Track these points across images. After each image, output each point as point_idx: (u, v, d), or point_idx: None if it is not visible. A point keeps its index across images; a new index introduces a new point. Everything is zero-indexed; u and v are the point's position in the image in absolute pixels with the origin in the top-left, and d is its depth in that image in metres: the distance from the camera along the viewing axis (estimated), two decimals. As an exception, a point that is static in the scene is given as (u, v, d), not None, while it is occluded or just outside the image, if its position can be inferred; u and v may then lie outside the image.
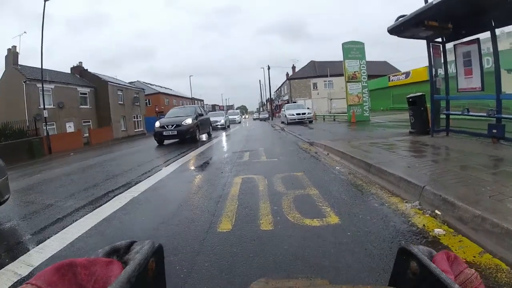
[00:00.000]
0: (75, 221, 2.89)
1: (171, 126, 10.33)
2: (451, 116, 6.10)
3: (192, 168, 5.44)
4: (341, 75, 31.84)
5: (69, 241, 2.37)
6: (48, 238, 2.49)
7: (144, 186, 4.11)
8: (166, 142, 10.91)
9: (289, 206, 2.73)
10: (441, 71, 6.28)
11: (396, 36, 5.91)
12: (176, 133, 10.19)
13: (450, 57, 6.00)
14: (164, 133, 10.33)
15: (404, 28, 5.49)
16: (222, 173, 4.64)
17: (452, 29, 5.28)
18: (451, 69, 6.11)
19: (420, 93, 7.01)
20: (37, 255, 2.15)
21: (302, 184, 3.58)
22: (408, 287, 0.38)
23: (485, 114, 5.16)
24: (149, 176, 4.84)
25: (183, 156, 7.03)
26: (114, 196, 3.72)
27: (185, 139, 10.38)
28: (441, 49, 6.07)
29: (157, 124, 10.81)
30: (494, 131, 4.83)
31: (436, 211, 2.52)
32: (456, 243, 1.94)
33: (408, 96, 7.19)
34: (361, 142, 6.27)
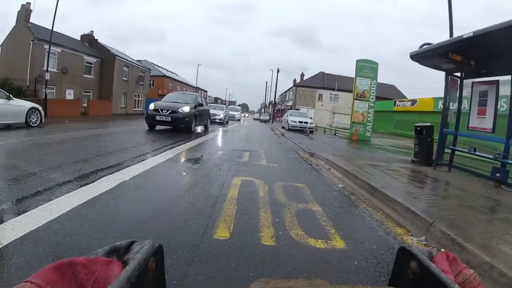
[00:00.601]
0: (57, 197, 2.64)
1: (165, 111, 9.47)
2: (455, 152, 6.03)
3: (189, 159, 5.21)
4: (348, 90, 32.07)
5: (46, 220, 2.10)
6: (24, 212, 2.22)
7: (136, 170, 3.88)
8: (158, 127, 10.19)
9: (291, 220, 2.55)
10: (453, 106, 6.22)
11: (417, 63, 5.81)
12: (169, 120, 9.42)
13: (465, 93, 5.95)
14: (157, 118, 9.50)
15: (427, 56, 5.41)
16: (220, 170, 4.44)
17: (474, 66, 5.22)
18: (464, 105, 6.06)
19: (429, 124, 6.93)
20: (10, 232, 1.91)
21: (304, 197, 3.40)
22: (408, 287, 0.38)
23: (491, 156, 5.10)
24: (143, 160, 4.61)
25: (180, 144, 6.80)
26: (103, 176, 3.48)
27: (179, 128, 9.71)
28: (458, 83, 5.99)
29: (151, 106, 9.96)
30: (498, 174, 4.78)
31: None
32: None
33: (416, 124, 7.12)
34: (363, 162, 6.13)
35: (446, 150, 6.26)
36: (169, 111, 9.45)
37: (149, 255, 0.34)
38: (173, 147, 6.22)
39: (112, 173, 3.68)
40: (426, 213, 2.95)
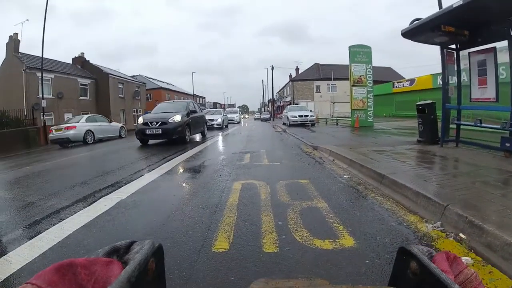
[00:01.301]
0: (54, 224, 2.56)
1: (155, 124, 8.89)
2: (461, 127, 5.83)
3: (187, 169, 5.06)
4: (345, 79, 31.78)
5: (40, 251, 2.04)
6: (20, 245, 2.16)
7: (133, 188, 3.75)
8: (151, 141, 9.62)
9: (295, 221, 2.39)
10: (452, 79, 6.02)
11: (409, 40, 5.63)
12: (160, 132, 8.81)
13: (463, 65, 5.76)
14: (147, 132, 8.89)
15: (419, 31, 5.23)
16: (220, 176, 4.30)
17: (468, 36, 5.03)
18: (463, 77, 5.87)
19: (430, 101, 6.71)
20: (5, 266, 1.84)
21: (308, 194, 3.24)
22: (408, 287, 0.38)
23: (498, 127, 4.91)
24: (141, 176, 4.50)
25: (178, 155, 6.62)
26: (101, 197, 3.37)
27: (173, 139, 9.03)
28: (455, 56, 5.79)
29: (140, 120, 9.43)
30: (507, 144, 4.59)
31: (461, 235, 2.24)
32: (486, 275, 1.65)
33: (417, 103, 6.90)
34: (368, 149, 5.95)
35: (451, 126, 6.05)
36: (159, 123, 8.90)
37: (149, 255, 0.34)
38: (170, 159, 6.06)
39: (109, 193, 3.58)
40: (439, 195, 2.78)
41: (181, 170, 5.00)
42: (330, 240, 2.05)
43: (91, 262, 0.31)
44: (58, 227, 2.50)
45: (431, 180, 3.37)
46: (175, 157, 6.30)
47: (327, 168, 4.83)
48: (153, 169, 5.00)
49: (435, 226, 2.44)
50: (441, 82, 5.94)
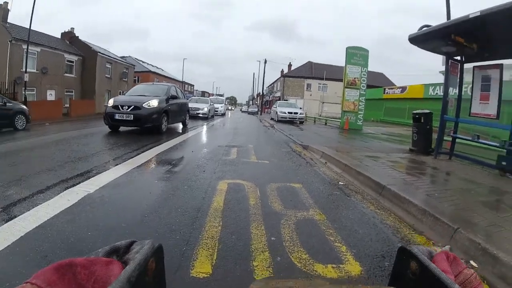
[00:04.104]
0: (6, 221, 2.10)
1: (127, 108, 7.45)
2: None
3: (167, 161, 4.57)
4: (337, 80, 31.76)
5: None
6: None
7: (104, 179, 3.28)
8: (123, 128, 8.16)
9: (291, 237, 2.04)
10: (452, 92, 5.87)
11: (416, 46, 5.39)
12: (132, 119, 7.40)
13: (467, 78, 5.60)
14: (117, 117, 7.45)
15: (428, 38, 5.01)
16: (204, 172, 3.89)
17: (476, 50, 4.83)
18: (464, 90, 5.72)
19: (428, 111, 6.54)
20: None
21: (303, 202, 2.90)
22: (408, 287, 0.38)
23: (497, 144, 4.77)
24: (117, 165, 4.04)
25: (157, 146, 6.02)
26: (66, 189, 2.90)
27: (146, 128, 7.63)
28: (459, 68, 5.60)
29: (110, 102, 7.85)
30: (504, 163, 4.48)
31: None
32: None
33: (414, 111, 6.72)
34: (361, 154, 5.70)
35: (445, 138, 5.91)
36: (131, 107, 7.46)
37: (149, 255, 0.34)
38: (149, 149, 5.51)
39: (76, 184, 3.10)
40: (446, 216, 2.52)
41: (160, 162, 4.51)
42: (334, 266, 1.71)
43: (91, 262, 0.31)
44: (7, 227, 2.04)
45: (434, 196, 3.12)
46: (150, 149, 5.49)
47: (320, 171, 4.52)
48: (133, 157, 4.52)
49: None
50: (432, 93, 5.82)
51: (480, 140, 5.21)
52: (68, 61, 21.63)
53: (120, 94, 26.83)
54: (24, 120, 9.39)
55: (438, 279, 0.32)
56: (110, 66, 25.58)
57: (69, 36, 23.83)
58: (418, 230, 2.48)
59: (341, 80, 15.04)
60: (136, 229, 2.08)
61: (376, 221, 2.60)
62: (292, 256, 1.79)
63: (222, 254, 1.77)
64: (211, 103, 19.10)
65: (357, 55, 13.40)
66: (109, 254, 0.35)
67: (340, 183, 3.88)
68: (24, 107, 9.84)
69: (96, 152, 4.93)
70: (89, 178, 3.33)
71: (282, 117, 16.79)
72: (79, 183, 3.15)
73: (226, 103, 32.49)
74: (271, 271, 1.63)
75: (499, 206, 3.09)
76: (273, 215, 2.48)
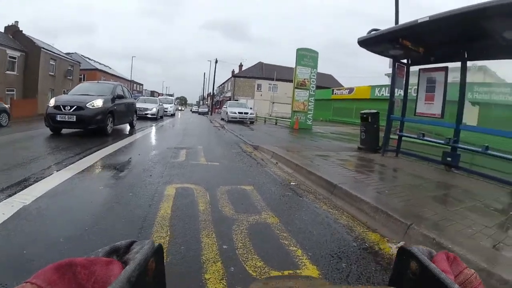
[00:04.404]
0: None
1: (69, 108, 6.85)
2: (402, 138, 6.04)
3: (112, 166, 4.16)
4: (287, 80, 32.33)
5: None
6: None
7: (43, 188, 2.87)
8: (66, 130, 7.45)
9: (244, 244, 1.90)
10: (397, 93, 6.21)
11: (364, 49, 5.59)
12: (74, 120, 6.82)
13: (412, 80, 5.95)
14: (58, 118, 6.81)
15: (376, 41, 5.21)
16: (151, 176, 3.61)
17: (422, 53, 5.13)
18: (409, 91, 6.08)
19: (375, 110, 6.87)
20: None
21: (254, 205, 2.79)
22: (408, 287, 0.38)
23: (442, 141, 5.10)
24: (57, 171, 3.59)
25: (101, 149, 5.49)
26: (1, 201, 2.48)
27: (90, 129, 7.07)
28: (405, 70, 5.95)
29: (52, 102, 7.18)
30: (449, 159, 4.81)
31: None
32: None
33: (362, 111, 7.01)
34: (312, 153, 5.78)
35: (392, 136, 6.24)
36: (74, 108, 6.86)
37: (149, 255, 0.33)
38: (93, 152, 5.01)
39: (13, 194, 2.67)
40: (398, 212, 2.58)
41: (104, 167, 4.10)
42: (291, 272, 1.61)
43: (91, 261, 0.30)
44: None
45: (383, 193, 3.22)
46: (93, 153, 4.99)
47: (271, 172, 4.45)
48: (73, 162, 4.04)
49: (398, 247, 2.20)
50: (378, 94, 6.19)
51: (426, 138, 5.55)
52: (10, 57, 19.82)
53: (64, 93, 24.57)
54: None
55: (438, 279, 0.32)
56: (54, 63, 23.81)
57: (13, 31, 21.77)
58: (371, 228, 2.50)
59: (291, 81, 15.36)
60: (76, 245, 1.80)
61: (330, 221, 2.58)
62: (247, 265, 1.66)
63: (171, 267, 1.58)
64: (160, 103, 18.20)
65: (307, 56, 13.70)
66: (109, 254, 0.34)
67: (291, 183, 3.84)
68: None
69: (35, 158, 4.33)
70: (26, 188, 2.88)
71: (232, 117, 16.54)
72: (15, 193, 2.71)
73: (176, 103, 31.43)
74: (224, 283, 1.48)
75: (448, 200, 3.25)
76: (224, 220, 2.33)
